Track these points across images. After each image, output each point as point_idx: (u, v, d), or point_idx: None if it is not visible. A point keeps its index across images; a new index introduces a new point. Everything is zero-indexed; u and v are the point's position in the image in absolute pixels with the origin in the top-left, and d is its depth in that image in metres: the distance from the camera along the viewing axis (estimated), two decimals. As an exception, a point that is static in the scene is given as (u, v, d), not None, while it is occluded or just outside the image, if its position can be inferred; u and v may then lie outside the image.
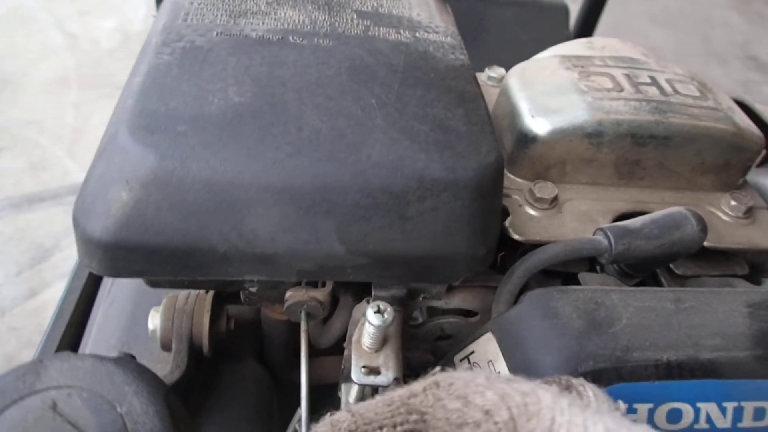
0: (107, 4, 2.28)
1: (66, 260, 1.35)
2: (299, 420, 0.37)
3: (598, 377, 0.34)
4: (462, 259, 0.37)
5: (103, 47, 2.06)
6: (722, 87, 0.53)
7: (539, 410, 0.25)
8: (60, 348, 0.66)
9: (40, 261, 1.37)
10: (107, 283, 0.66)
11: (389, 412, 0.26)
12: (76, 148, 1.66)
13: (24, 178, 1.56)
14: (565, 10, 1.10)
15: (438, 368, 0.28)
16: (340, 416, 0.26)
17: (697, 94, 0.49)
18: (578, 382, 0.29)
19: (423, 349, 0.49)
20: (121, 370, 0.31)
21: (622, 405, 0.30)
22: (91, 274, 0.74)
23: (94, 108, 1.79)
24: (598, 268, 0.48)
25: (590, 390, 0.28)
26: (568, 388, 0.29)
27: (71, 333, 0.68)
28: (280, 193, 0.34)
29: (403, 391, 0.27)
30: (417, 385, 0.27)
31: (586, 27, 1.20)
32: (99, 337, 0.54)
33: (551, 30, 1.06)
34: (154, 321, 0.44)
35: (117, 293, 0.57)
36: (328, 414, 0.27)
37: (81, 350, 0.59)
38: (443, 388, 0.26)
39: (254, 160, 0.34)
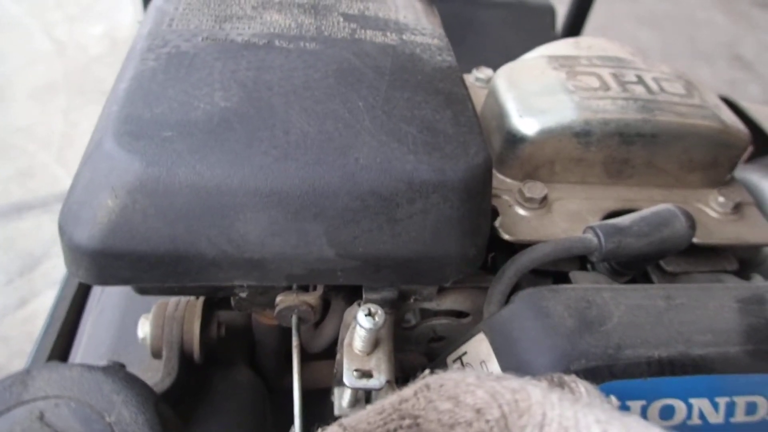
0: (95, 10, 2.26)
1: (56, 268, 1.34)
2: None
3: (590, 375, 0.34)
4: (452, 261, 0.37)
5: (91, 53, 2.05)
6: (709, 86, 0.54)
7: (530, 406, 0.25)
8: (51, 357, 0.65)
9: (30, 270, 1.35)
10: (97, 291, 0.65)
11: (381, 420, 0.26)
12: (65, 154, 1.65)
13: (12, 186, 1.54)
14: (551, 12, 1.10)
15: (427, 371, 0.28)
16: (332, 431, 0.26)
17: (684, 92, 0.50)
18: (570, 378, 0.29)
19: (416, 351, 0.49)
20: (110, 379, 0.31)
21: (614, 400, 0.30)
22: (82, 283, 0.74)
23: (83, 114, 1.77)
24: (588, 266, 0.48)
25: (582, 386, 0.28)
26: (560, 384, 0.29)
27: (62, 342, 0.68)
28: (269, 198, 0.34)
29: (393, 398, 0.26)
30: (408, 390, 0.27)
31: (574, 28, 1.20)
32: (89, 346, 0.54)
33: (538, 31, 1.06)
34: (144, 328, 0.44)
35: (107, 301, 0.57)
36: (319, 430, 0.27)
37: (71, 359, 0.59)
38: (434, 390, 0.26)
39: (241, 164, 0.34)
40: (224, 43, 0.42)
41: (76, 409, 0.29)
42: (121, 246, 0.33)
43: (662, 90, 0.49)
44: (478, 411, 0.25)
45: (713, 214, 0.49)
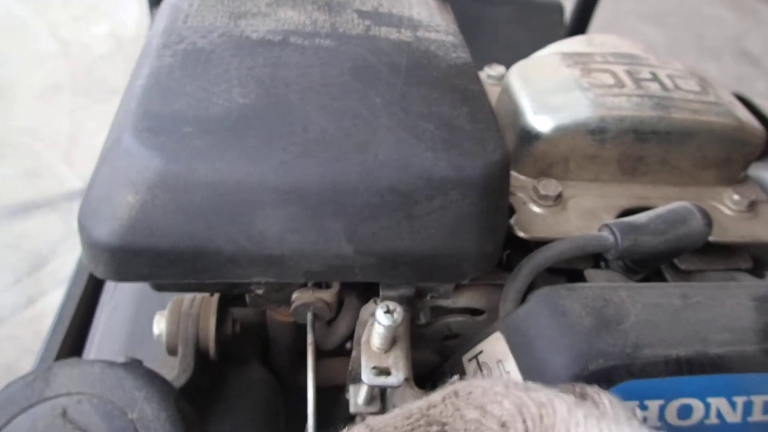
0: (99, 10, 2.26)
1: (64, 267, 1.34)
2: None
3: (608, 375, 0.34)
4: (470, 258, 0.37)
5: (96, 53, 2.05)
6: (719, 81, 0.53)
7: (554, 424, 0.25)
8: (60, 355, 0.65)
9: (37, 269, 1.36)
10: (109, 288, 0.66)
11: (409, 425, 0.26)
12: (71, 154, 1.65)
13: (19, 186, 1.55)
14: (559, 9, 1.10)
15: (456, 377, 0.28)
16: (357, 430, 0.26)
17: (698, 89, 0.50)
18: (593, 390, 0.29)
19: (430, 349, 0.49)
20: (131, 375, 0.31)
21: (639, 412, 0.30)
22: (90, 281, 0.74)
23: (89, 114, 1.78)
24: (602, 264, 0.48)
25: (606, 398, 0.28)
26: (582, 396, 0.29)
27: (71, 340, 0.68)
28: (288, 194, 0.34)
29: (421, 403, 0.26)
30: (436, 396, 0.27)
31: (580, 25, 1.20)
32: (103, 343, 0.54)
33: (547, 28, 1.06)
34: (160, 325, 0.44)
35: (119, 298, 0.57)
36: (346, 429, 0.27)
37: (85, 356, 0.59)
38: (462, 398, 0.26)
39: (261, 161, 0.33)
40: (240, 40, 0.42)
41: (98, 405, 0.29)
42: (140, 242, 0.33)
43: (677, 87, 0.49)
44: (503, 425, 0.25)
45: (728, 212, 0.49)
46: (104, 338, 0.54)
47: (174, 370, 0.42)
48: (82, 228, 0.34)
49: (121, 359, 0.36)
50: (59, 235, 1.41)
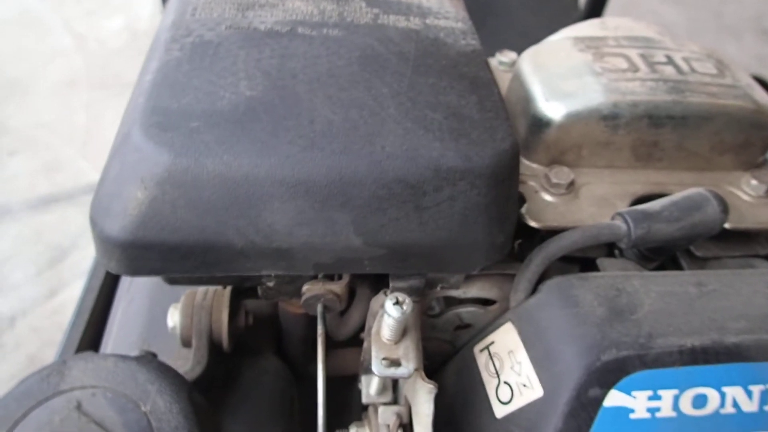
0: (113, 4, 2.28)
1: (84, 260, 1.36)
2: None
3: (621, 365, 0.33)
4: (480, 248, 0.37)
5: (111, 47, 2.07)
6: (738, 62, 0.52)
7: None
8: (81, 347, 0.67)
9: (58, 261, 1.38)
10: (126, 281, 0.67)
11: None
12: (89, 148, 1.67)
13: (38, 180, 1.57)
14: (574, -8, 1.08)
15: None
16: None
17: (715, 71, 0.48)
18: None
19: (441, 339, 0.49)
20: (144, 368, 0.31)
21: None
22: (108, 273, 0.75)
23: (105, 108, 1.79)
24: (616, 252, 0.47)
25: None
26: None
27: (91, 332, 0.69)
28: (296, 187, 0.34)
29: None
30: None
31: (596, 7, 1.17)
32: (119, 335, 0.55)
33: (560, 11, 1.04)
34: (174, 318, 0.45)
35: (136, 291, 0.57)
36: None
37: (102, 349, 0.60)
38: None
39: (268, 154, 0.33)
40: (247, 32, 0.41)
41: (112, 398, 0.30)
42: (151, 237, 0.33)
43: (692, 70, 0.48)
44: None
45: (745, 197, 0.48)
46: (121, 331, 0.55)
47: (188, 362, 0.43)
48: (94, 224, 0.34)
49: (135, 352, 0.36)
50: (78, 227, 1.44)
